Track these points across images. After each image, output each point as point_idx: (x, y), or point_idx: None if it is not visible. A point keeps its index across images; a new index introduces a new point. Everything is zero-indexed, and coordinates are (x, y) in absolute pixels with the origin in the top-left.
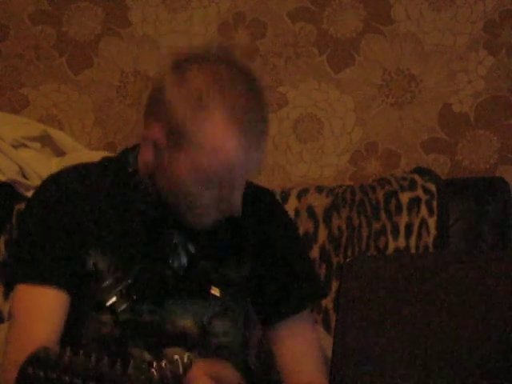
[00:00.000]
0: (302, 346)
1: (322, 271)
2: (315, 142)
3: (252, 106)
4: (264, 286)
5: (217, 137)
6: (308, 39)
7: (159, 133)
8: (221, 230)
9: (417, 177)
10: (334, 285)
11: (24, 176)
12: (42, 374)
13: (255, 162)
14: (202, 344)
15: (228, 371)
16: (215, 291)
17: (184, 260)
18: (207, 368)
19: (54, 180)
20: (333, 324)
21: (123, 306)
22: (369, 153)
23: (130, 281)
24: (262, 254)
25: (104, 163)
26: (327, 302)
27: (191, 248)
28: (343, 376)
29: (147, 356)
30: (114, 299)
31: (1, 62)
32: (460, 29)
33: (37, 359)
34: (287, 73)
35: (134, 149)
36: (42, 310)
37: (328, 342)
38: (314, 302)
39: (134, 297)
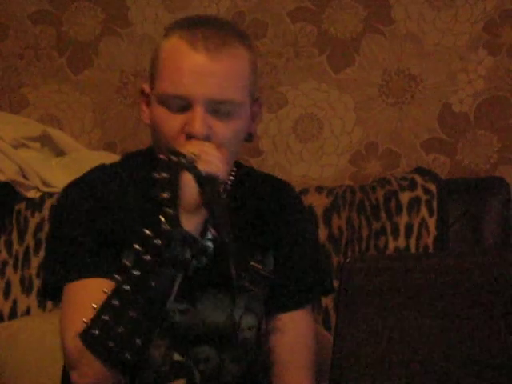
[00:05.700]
0: (290, 342)
1: None
2: (315, 141)
3: (217, 33)
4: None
5: (175, 51)
6: (308, 39)
7: (146, 85)
8: (244, 223)
9: (417, 177)
10: (334, 285)
11: (24, 176)
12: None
13: (214, 78)
14: (230, 340)
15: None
16: (246, 282)
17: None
18: None
19: (81, 182)
20: (333, 324)
21: None
22: (369, 153)
23: None
24: (282, 247)
25: (128, 159)
26: (327, 302)
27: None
28: (343, 376)
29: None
30: None
31: (1, 62)
32: (460, 29)
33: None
34: (287, 73)
35: None
36: (92, 300)
37: (328, 342)
38: (320, 295)
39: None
